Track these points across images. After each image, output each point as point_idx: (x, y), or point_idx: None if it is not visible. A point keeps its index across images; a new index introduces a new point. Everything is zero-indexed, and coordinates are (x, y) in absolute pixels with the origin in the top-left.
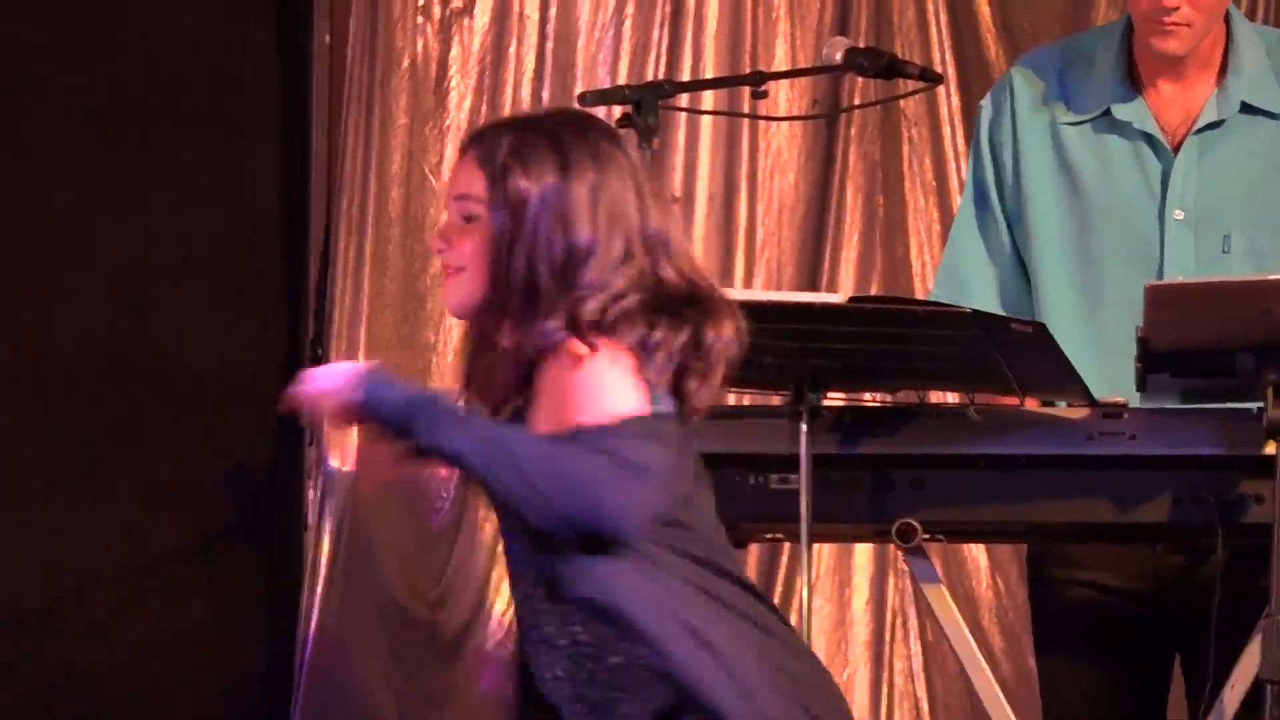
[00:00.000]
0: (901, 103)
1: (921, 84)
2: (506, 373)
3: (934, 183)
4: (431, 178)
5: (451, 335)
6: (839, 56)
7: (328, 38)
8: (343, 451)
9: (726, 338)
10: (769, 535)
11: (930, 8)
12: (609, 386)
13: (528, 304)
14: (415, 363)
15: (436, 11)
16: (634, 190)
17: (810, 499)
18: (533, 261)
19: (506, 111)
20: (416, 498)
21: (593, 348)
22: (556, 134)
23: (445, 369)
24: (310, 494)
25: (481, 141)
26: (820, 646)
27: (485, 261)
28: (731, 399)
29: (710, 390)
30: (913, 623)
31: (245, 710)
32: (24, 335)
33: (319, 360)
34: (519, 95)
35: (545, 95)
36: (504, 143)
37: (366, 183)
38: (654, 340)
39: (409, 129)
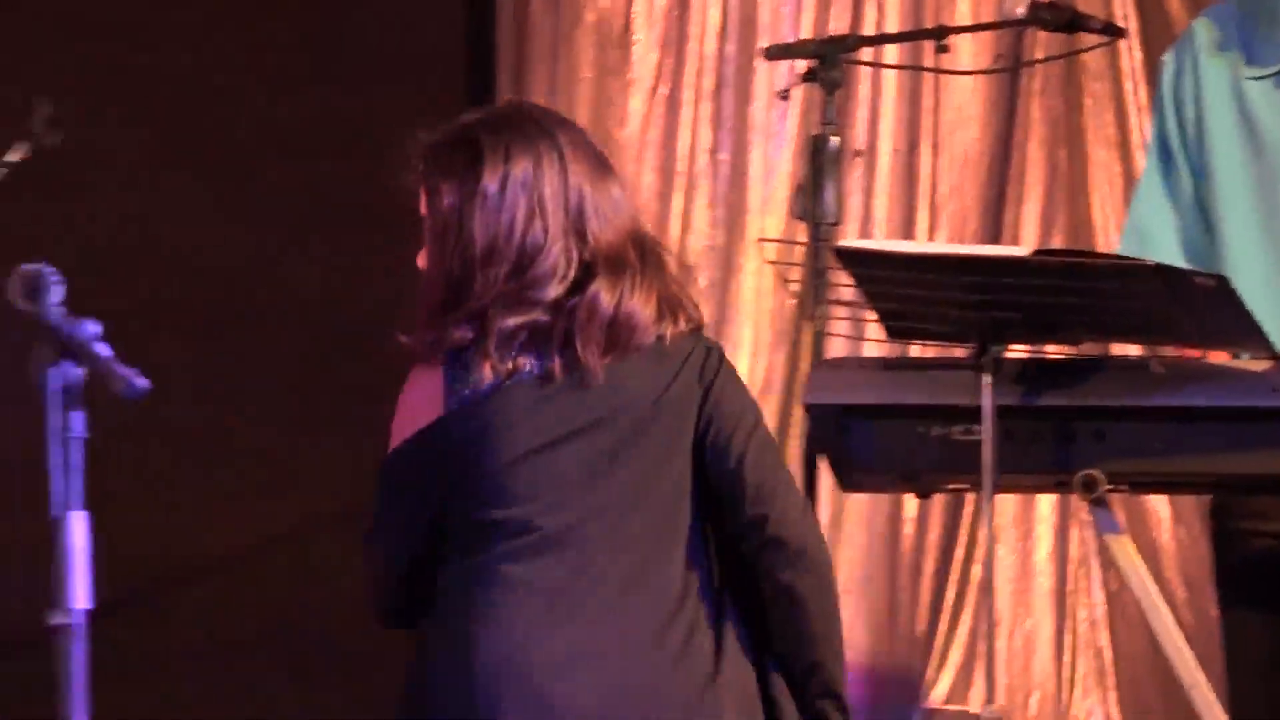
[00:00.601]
0: (1083, 57)
1: (1103, 38)
2: None
3: (1116, 137)
4: (616, 132)
5: None
6: (1021, 10)
7: None
8: None
9: (622, 298)
10: (952, 486)
11: None
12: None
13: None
14: None
15: None
16: (557, 173)
17: (994, 450)
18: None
19: (691, 66)
20: None
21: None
22: (472, 141)
23: None
24: None
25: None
26: (1004, 596)
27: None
28: (916, 350)
29: (596, 351)
30: (1095, 573)
31: None
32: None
33: None
34: (703, 49)
35: (730, 49)
36: (425, 158)
37: None
38: (501, 327)
39: (594, 83)
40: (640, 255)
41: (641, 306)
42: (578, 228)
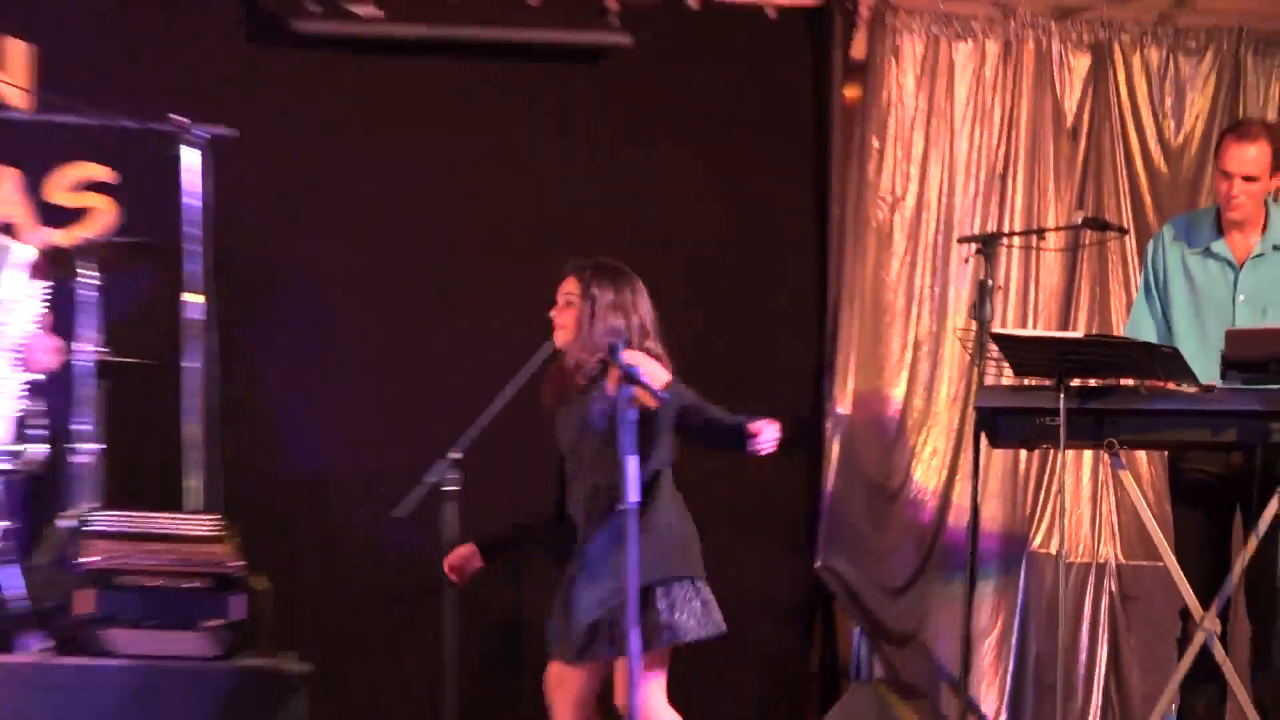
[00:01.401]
0: (1108, 241)
1: (1117, 234)
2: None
3: (1124, 281)
4: (885, 279)
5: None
6: (1078, 219)
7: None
8: (845, 400)
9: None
10: (1044, 446)
11: None
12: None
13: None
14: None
15: None
16: (643, 301)
17: (1064, 429)
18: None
19: (925, 241)
20: (879, 425)
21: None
22: (616, 272)
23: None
24: (827, 424)
25: (577, 270)
26: (1068, 493)
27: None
28: (1027, 381)
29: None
30: (1111, 484)
31: (794, 536)
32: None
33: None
34: (929, 237)
35: (941, 237)
36: (589, 272)
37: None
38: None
39: (875, 232)
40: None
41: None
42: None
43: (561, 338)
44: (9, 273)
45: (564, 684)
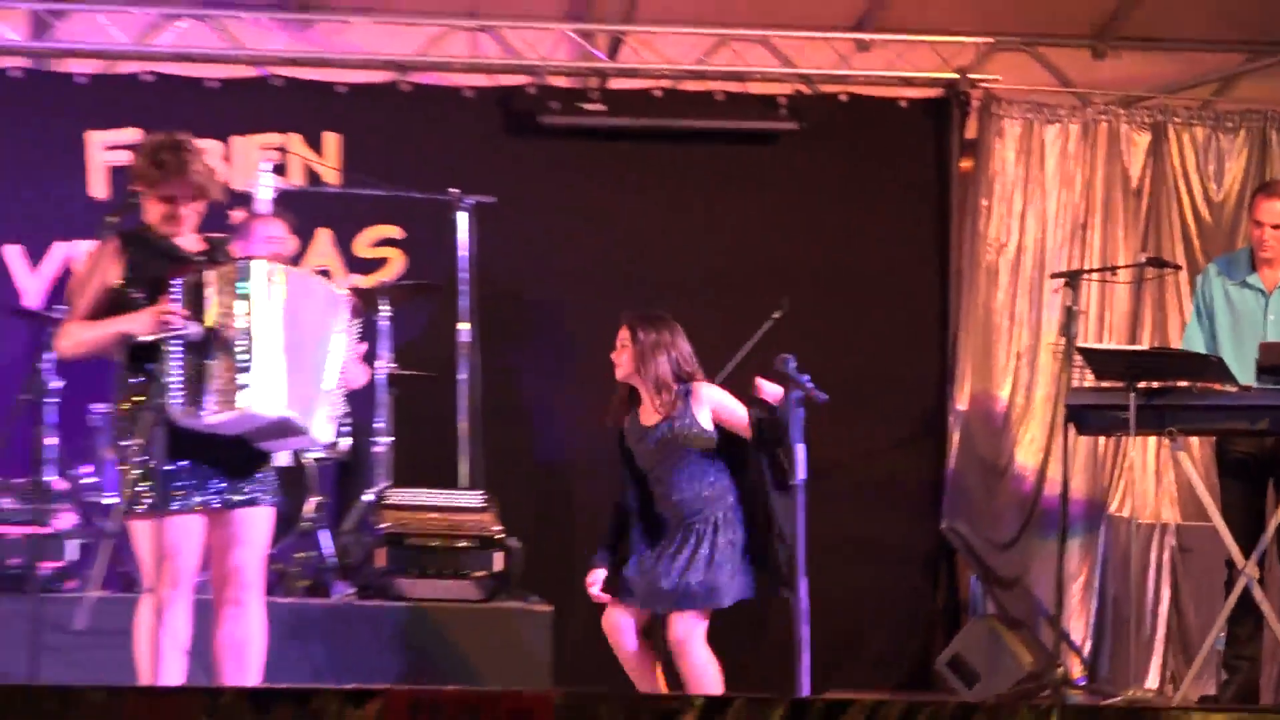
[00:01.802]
0: (1166, 273)
1: (1172, 270)
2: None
3: (1178, 307)
4: (993, 305)
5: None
6: (1143, 259)
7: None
8: (964, 399)
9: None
10: (1118, 433)
11: None
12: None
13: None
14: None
15: None
16: (682, 341)
17: (1135, 419)
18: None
19: (1024, 280)
20: (989, 418)
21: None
22: (656, 321)
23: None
24: (950, 418)
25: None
26: (1137, 467)
27: (632, 362)
28: (1105, 385)
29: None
30: (1169, 460)
31: (925, 504)
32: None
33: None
34: (1030, 272)
35: (1035, 274)
36: (636, 323)
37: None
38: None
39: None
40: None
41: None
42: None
43: (621, 373)
44: (341, 312)
45: (624, 625)
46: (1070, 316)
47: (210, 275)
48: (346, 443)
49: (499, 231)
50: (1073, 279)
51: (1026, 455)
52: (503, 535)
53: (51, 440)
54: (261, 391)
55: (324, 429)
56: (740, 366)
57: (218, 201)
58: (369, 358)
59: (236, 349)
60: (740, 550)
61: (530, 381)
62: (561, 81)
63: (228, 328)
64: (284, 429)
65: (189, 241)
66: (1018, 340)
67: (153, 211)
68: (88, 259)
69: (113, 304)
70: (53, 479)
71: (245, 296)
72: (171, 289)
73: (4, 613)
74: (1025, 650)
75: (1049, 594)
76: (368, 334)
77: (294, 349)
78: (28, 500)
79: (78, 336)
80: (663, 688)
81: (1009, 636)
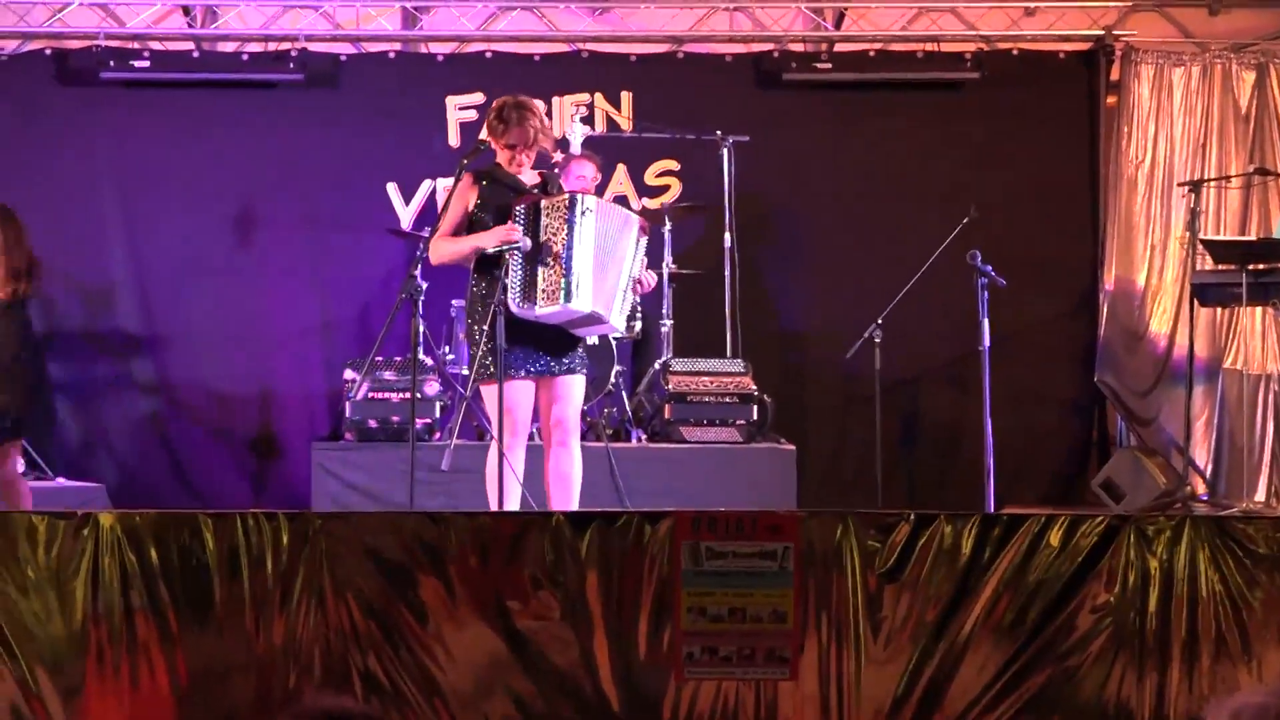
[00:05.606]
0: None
1: (1277, 175)
2: None
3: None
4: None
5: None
6: (1252, 168)
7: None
8: (1110, 280)
9: None
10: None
11: None
12: None
13: None
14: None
15: None
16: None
17: (1246, 294)
18: None
19: (1158, 187)
20: (1130, 294)
21: None
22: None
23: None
24: (1100, 295)
25: None
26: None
27: None
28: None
29: None
30: None
31: (1082, 361)
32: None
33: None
34: (1165, 183)
35: (1169, 184)
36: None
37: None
38: None
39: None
40: None
41: None
42: None
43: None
44: (634, 232)
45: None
46: (1193, 215)
47: (543, 203)
48: (638, 326)
49: (753, 163)
50: (1195, 186)
51: (1159, 324)
52: (758, 392)
53: (421, 328)
54: (577, 292)
55: (621, 319)
56: (936, 261)
57: (545, 147)
58: (655, 261)
59: (560, 260)
60: None
61: (775, 276)
62: (799, 47)
63: (554, 243)
64: (592, 320)
65: (527, 176)
66: (1152, 235)
67: (500, 155)
68: (449, 191)
69: (468, 225)
70: (423, 357)
71: (567, 220)
72: (514, 214)
73: (389, 458)
74: (1161, 473)
75: (1178, 429)
76: (655, 242)
77: (600, 259)
78: (405, 373)
79: (441, 249)
80: None
81: (1148, 463)
